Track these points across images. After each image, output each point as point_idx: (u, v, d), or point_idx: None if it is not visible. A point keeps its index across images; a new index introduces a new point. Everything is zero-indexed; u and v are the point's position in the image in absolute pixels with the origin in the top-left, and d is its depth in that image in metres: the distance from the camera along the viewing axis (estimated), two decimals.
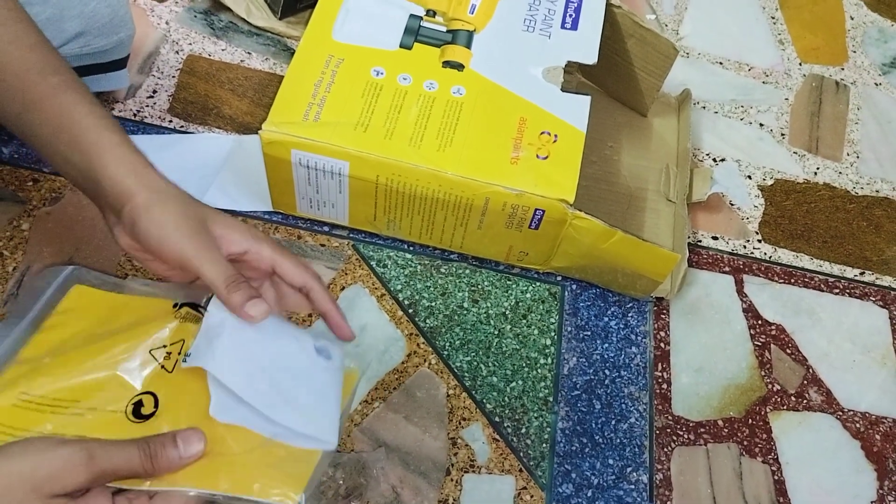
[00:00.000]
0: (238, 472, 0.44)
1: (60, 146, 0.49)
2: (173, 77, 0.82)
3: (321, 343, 0.52)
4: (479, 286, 0.74)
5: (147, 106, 0.80)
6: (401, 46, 0.71)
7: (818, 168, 0.91)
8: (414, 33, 0.72)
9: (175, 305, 0.51)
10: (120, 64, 0.72)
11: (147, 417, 0.47)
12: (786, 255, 0.83)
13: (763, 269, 0.82)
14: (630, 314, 0.75)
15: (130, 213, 0.48)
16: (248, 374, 0.47)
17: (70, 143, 0.48)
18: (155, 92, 0.81)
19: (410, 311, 0.72)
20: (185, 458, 0.43)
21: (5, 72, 0.49)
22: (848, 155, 0.93)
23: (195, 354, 0.46)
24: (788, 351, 0.76)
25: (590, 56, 0.73)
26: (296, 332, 0.52)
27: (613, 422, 0.69)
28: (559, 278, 0.76)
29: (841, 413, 0.74)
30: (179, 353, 0.49)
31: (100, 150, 0.48)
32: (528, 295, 0.75)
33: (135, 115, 0.79)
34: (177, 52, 0.84)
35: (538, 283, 0.75)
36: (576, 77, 0.87)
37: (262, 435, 0.46)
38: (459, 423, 0.67)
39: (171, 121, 0.79)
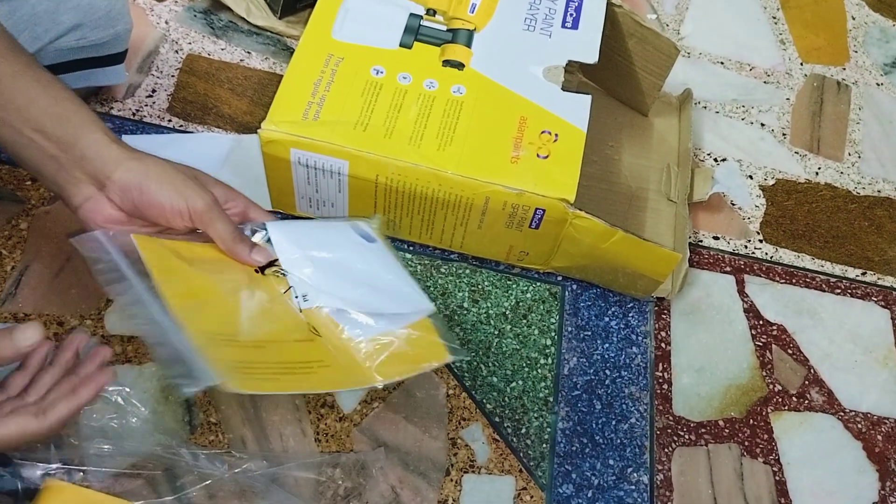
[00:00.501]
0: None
1: (33, 116, 0.48)
2: (173, 76, 0.82)
3: (357, 227, 0.61)
4: (480, 286, 0.74)
5: (146, 105, 0.79)
6: (401, 45, 0.71)
7: (819, 168, 0.91)
8: (414, 32, 0.72)
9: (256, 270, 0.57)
10: (118, 58, 0.72)
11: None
12: (787, 256, 0.83)
13: (764, 269, 0.81)
14: (631, 314, 0.75)
15: (125, 177, 0.49)
16: (339, 289, 0.56)
17: (45, 112, 0.48)
18: (154, 91, 0.81)
19: None
20: (22, 348, 0.46)
21: None
22: (849, 155, 0.93)
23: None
24: (790, 351, 0.76)
25: (591, 55, 0.73)
26: (337, 227, 0.61)
27: (614, 422, 0.69)
28: (559, 278, 0.76)
29: (842, 414, 0.73)
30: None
31: (79, 121, 0.49)
32: (529, 295, 0.74)
33: (134, 114, 0.79)
34: (176, 52, 0.84)
35: (538, 283, 0.75)
36: (577, 77, 0.87)
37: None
38: (459, 424, 0.67)
39: (170, 120, 0.79)
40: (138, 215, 0.51)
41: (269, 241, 0.57)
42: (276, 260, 0.57)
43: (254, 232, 0.57)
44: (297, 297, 0.56)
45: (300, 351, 0.53)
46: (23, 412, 0.46)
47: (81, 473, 0.55)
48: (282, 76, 0.67)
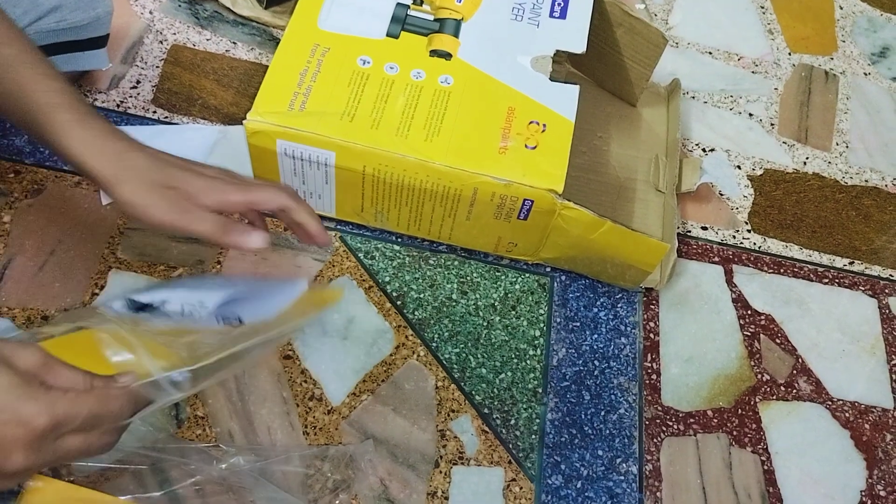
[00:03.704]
0: None
1: (23, 122, 0.50)
2: (157, 67, 0.81)
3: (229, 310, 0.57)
4: (468, 278, 0.74)
5: (130, 97, 0.79)
6: (387, 35, 0.70)
7: (807, 158, 0.91)
8: (401, 22, 0.71)
9: None
10: (99, 42, 0.71)
11: None
12: (775, 245, 0.83)
13: (752, 259, 0.81)
14: (619, 305, 0.75)
15: (105, 190, 0.50)
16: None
17: (30, 121, 0.50)
18: (138, 82, 0.80)
19: (398, 303, 0.71)
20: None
21: None
22: (837, 145, 0.93)
23: None
24: (778, 341, 0.76)
25: (578, 45, 0.72)
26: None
27: (603, 413, 0.69)
28: (548, 269, 0.76)
29: (830, 403, 0.74)
30: None
31: (57, 132, 0.50)
32: (518, 286, 0.74)
33: (118, 105, 0.78)
34: (161, 42, 0.83)
35: (527, 275, 0.75)
36: (565, 67, 0.86)
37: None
38: (448, 415, 0.66)
39: (154, 111, 0.78)
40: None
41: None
42: None
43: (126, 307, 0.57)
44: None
45: None
46: None
47: (67, 469, 0.55)
48: (268, 67, 0.67)
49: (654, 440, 0.69)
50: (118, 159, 0.51)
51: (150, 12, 0.85)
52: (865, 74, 1.00)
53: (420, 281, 0.73)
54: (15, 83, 0.50)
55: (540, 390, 0.69)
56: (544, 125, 0.67)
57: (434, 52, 0.70)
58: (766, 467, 0.69)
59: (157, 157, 0.52)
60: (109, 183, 0.50)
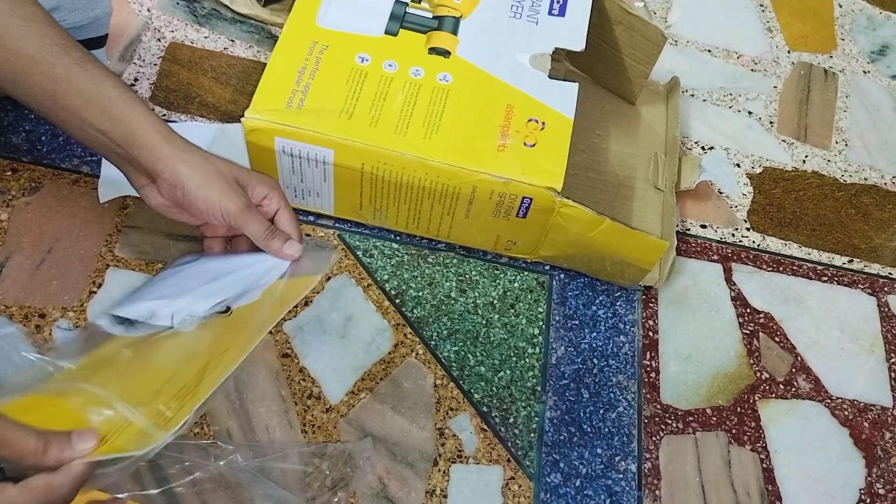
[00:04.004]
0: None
1: (91, 117, 0.53)
2: (155, 65, 0.81)
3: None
4: (467, 276, 0.74)
5: None
6: (386, 33, 0.70)
7: (807, 156, 0.91)
8: (399, 19, 0.71)
9: None
10: (98, 42, 0.71)
11: None
12: (774, 244, 0.83)
13: (751, 257, 0.81)
14: (618, 303, 0.75)
15: (172, 178, 0.55)
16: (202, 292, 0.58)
17: (102, 114, 0.53)
18: (136, 80, 0.80)
19: (397, 301, 0.71)
20: (78, 454, 0.45)
21: (30, 47, 0.51)
22: (836, 143, 0.93)
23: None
24: (777, 339, 0.76)
25: (577, 43, 0.72)
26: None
27: (602, 411, 0.69)
28: (547, 267, 0.76)
29: (829, 401, 0.74)
30: None
31: (133, 122, 0.54)
32: (516, 284, 0.74)
33: None
34: (159, 40, 0.83)
35: (526, 273, 0.75)
36: (563, 65, 0.86)
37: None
38: (447, 414, 0.66)
39: (153, 109, 0.78)
40: (182, 208, 0.57)
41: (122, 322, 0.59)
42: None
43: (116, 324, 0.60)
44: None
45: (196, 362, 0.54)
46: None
47: None
48: (266, 64, 0.66)
49: (653, 438, 0.69)
50: (191, 152, 0.56)
51: (148, 10, 0.85)
52: (864, 72, 1.00)
53: (419, 279, 0.73)
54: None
55: (539, 388, 0.69)
56: (543, 123, 0.67)
57: (433, 50, 0.70)
58: (765, 465, 0.69)
59: (200, 149, 0.57)
60: (182, 172, 0.54)
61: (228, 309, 0.57)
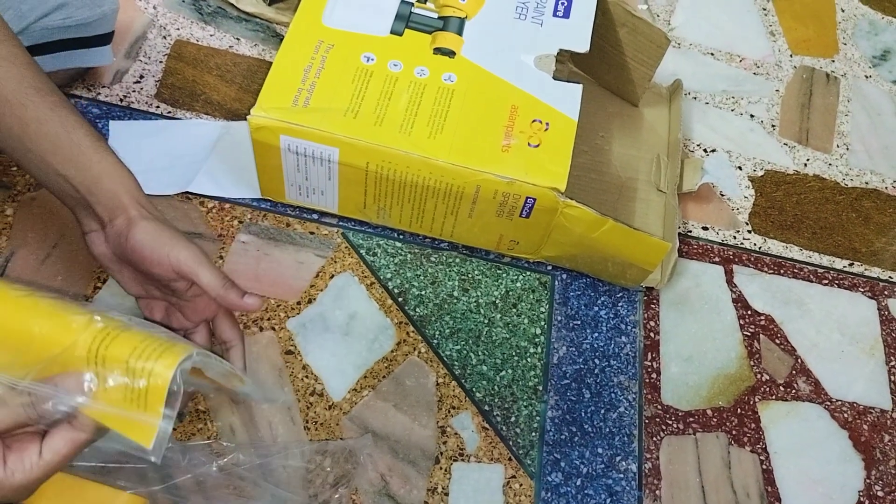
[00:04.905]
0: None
1: (56, 163, 0.52)
2: (161, 62, 0.81)
3: None
4: (470, 275, 0.74)
5: (134, 91, 0.79)
6: (391, 32, 0.70)
7: (808, 159, 0.91)
8: (405, 19, 0.71)
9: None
10: (104, 39, 0.71)
11: None
12: (775, 246, 0.83)
13: (753, 259, 0.82)
14: (620, 304, 0.75)
15: (124, 224, 0.52)
16: None
17: (68, 161, 0.52)
18: (142, 77, 0.80)
19: (400, 299, 0.71)
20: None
21: (5, 88, 0.50)
22: (838, 147, 0.93)
23: None
24: (777, 341, 0.77)
25: (582, 44, 0.73)
26: None
27: (603, 411, 0.69)
28: (549, 267, 0.76)
29: (829, 403, 0.74)
30: None
31: (98, 170, 0.52)
32: (519, 284, 0.74)
33: (121, 100, 0.78)
34: (164, 38, 0.83)
35: (528, 273, 0.75)
36: (567, 66, 0.86)
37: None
38: (449, 412, 0.66)
39: (158, 106, 0.78)
40: (125, 260, 0.53)
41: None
42: None
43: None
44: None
45: None
46: None
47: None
48: (271, 63, 0.67)
49: (654, 439, 0.69)
50: (147, 205, 0.53)
51: (154, 7, 0.85)
52: (866, 77, 1.01)
53: (421, 278, 0.73)
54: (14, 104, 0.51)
55: (540, 388, 0.69)
56: (547, 123, 0.67)
57: (438, 50, 0.70)
58: (764, 467, 0.69)
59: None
60: (136, 218, 0.51)
61: None
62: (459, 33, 0.71)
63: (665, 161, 0.82)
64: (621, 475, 0.66)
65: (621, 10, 0.78)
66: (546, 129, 0.67)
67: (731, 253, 0.82)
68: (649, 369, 0.72)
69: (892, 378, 0.77)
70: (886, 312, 0.81)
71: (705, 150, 0.89)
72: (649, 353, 0.73)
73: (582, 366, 0.71)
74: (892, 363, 0.78)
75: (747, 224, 0.84)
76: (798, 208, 0.87)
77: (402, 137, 0.64)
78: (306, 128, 0.64)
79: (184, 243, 0.52)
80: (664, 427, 0.70)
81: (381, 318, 0.70)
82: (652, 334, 0.74)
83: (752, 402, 0.72)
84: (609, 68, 0.84)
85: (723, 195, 0.86)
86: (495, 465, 0.65)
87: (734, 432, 0.71)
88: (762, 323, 0.77)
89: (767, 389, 0.73)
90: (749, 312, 0.78)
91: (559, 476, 0.65)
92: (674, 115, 0.86)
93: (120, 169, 0.53)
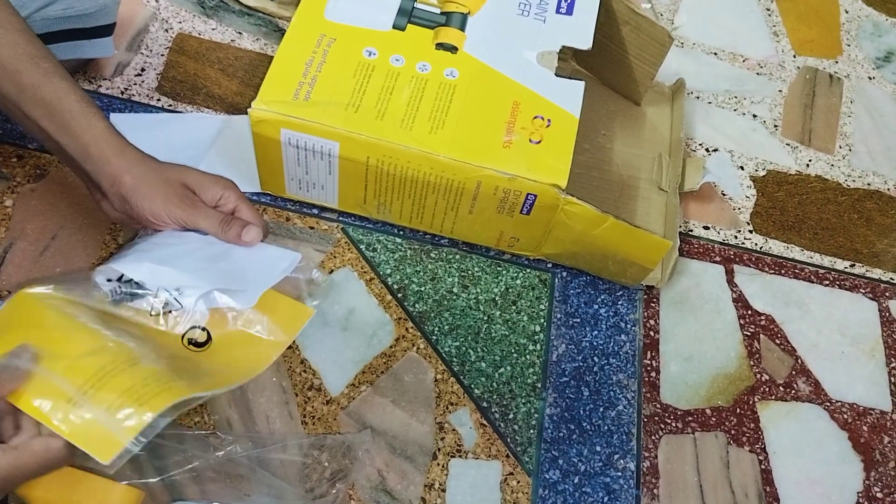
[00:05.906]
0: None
1: (51, 129, 0.54)
2: (162, 55, 0.81)
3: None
4: (469, 272, 0.74)
5: (135, 84, 0.79)
6: (394, 27, 0.70)
7: (810, 160, 0.91)
8: (407, 14, 0.71)
9: None
10: (105, 31, 0.71)
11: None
12: (776, 246, 0.83)
13: (753, 259, 0.81)
14: (620, 302, 0.75)
15: (120, 193, 0.55)
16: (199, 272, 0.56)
17: (61, 127, 0.53)
18: (143, 70, 0.80)
19: (399, 295, 0.71)
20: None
21: (0, 54, 0.51)
22: (840, 148, 0.93)
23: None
24: (777, 341, 0.76)
25: (584, 41, 0.72)
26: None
27: (601, 409, 0.69)
28: (550, 265, 0.76)
29: (829, 404, 0.74)
30: None
31: (87, 137, 0.54)
32: (519, 281, 0.74)
33: (122, 92, 0.78)
34: (166, 31, 0.83)
35: (528, 270, 0.75)
36: (570, 64, 0.86)
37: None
38: (447, 408, 0.66)
39: (159, 99, 0.78)
40: (134, 220, 0.58)
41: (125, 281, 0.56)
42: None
43: (108, 281, 0.56)
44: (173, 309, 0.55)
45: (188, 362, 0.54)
46: None
47: None
48: (272, 58, 0.66)
49: (653, 437, 0.69)
50: (139, 164, 0.55)
51: (157, 1, 0.85)
52: (870, 78, 1.01)
53: (421, 274, 0.73)
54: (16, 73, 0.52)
55: (539, 385, 0.69)
56: (549, 120, 0.67)
57: (440, 46, 0.70)
58: (763, 467, 0.69)
59: (153, 159, 0.57)
60: (129, 187, 0.54)
61: (209, 338, 0.56)
62: (462, 29, 0.71)
63: (667, 160, 0.82)
64: (619, 473, 0.66)
65: (625, 7, 0.77)
66: (548, 126, 0.67)
67: (731, 252, 0.81)
68: (648, 368, 0.72)
69: (893, 379, 0.76)
70: (887, 314, 0.80)
71: (707, 150, 0.89)
72: (649, 352, 0.73)
73: (581, 364, 0.71)
74: (893, 364, 0.77)
75: (748, 224, 0.84)
76: (800, 209, 0.86)
77: (403, 132, 0.64)
78: (307, 121, 0.63)
79: (176, 200, 0.56)
80: (663, 426, 0.69)
81: (381, 314, 0.70)
82: (652, 333, 0.74)
83: (751, 402, 0.72)
84: (612, 66, 0.84)
85: (724, 195, 0.86)
86: (493, 462, 0.65)
87: (733, 432, 0.70)
88: (762, 323, 0.77)
89: (767, 389, 0.73)
90: (749, 312, 0.78)
91: (557, 473, 0.65)
92: (676, 114, 0.86)
93: (106, 132, 0.54)
